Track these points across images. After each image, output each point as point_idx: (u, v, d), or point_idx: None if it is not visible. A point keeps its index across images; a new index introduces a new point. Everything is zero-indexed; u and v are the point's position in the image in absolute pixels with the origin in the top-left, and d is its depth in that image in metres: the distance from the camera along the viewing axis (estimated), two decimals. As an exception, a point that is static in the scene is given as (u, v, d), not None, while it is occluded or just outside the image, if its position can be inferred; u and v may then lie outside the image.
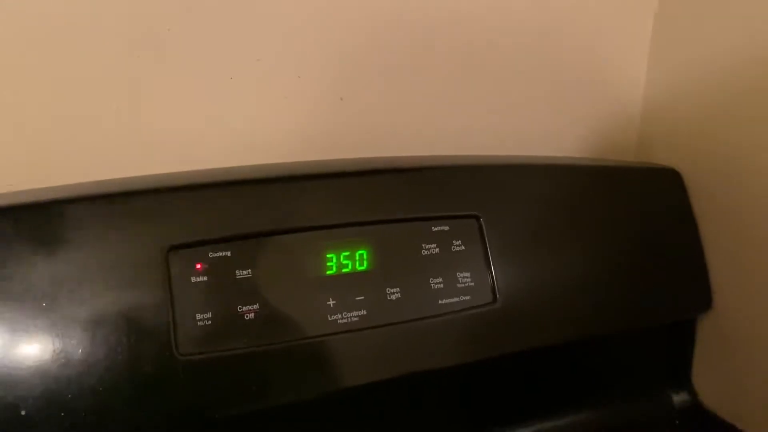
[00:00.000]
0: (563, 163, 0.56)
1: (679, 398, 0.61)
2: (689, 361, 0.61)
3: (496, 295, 0.48)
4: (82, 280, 0.39)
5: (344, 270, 0.45)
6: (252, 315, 0.42)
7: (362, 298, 0.45)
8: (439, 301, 0.46)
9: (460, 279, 0.47)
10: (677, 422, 0.60)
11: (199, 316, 0.41)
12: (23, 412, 0.37)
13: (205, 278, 0.41)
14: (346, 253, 0.45)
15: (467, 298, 0.47)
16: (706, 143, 0.59)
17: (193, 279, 0.41)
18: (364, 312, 0.44)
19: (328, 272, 0.45)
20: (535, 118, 0.66)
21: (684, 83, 0.61)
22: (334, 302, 0.44)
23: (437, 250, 0.47)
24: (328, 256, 0.45)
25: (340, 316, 0.44)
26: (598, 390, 0.59)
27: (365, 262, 0.45)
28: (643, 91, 0.66)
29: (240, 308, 0.42)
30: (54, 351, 0.38)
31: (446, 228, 0.48)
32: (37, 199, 0.40)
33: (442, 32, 0.58)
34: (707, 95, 0.58)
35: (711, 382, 0.60)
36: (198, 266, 0.41)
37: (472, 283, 0.48)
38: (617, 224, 0.56)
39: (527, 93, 0.65)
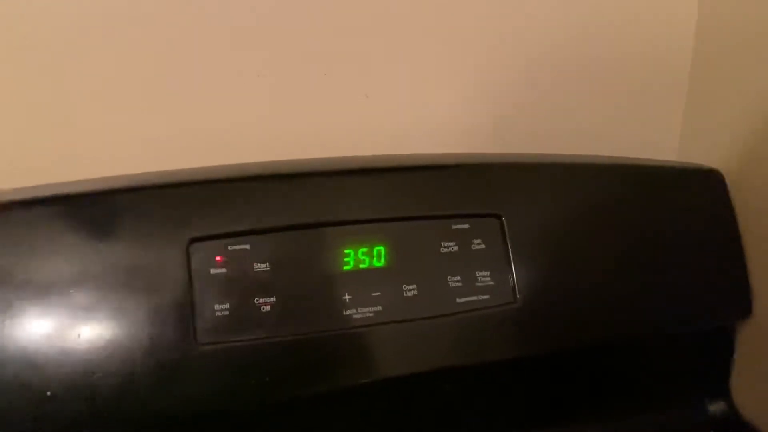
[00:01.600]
0: (593, 163, 0.54)
1: (715, 407, 0.59)
2: (727, 369, 0.58)
3: (516, 296, 0.47)
4: (107, 269, 0.41)
5: (361, 266, 0.45)
6: (268, 307, 0.43)
7: (378, 294, 0.45)
8: (457, 300, 0.46)
9: (479, 278, 0.47)
10: (712, 432, 0.57)
11: (217, 307, 0.42)
12: (49, 393, 0.39)
13: (224, 270, 0.43)
14: (364, 249, 0.45)
15: (486, 297, 0.47)
16: (750, 144, 0.56)
17: (212, 271, 0.42)
18: (379, 308, 0.45)
19: (345, 268, 0.45)
20: (575, 117, 0.65)
21: (729, 81, 0.59)
22: (350, 297, 0.45)
23: (456, 248, 0.47)
24: (345, 251, 0.45)
25: (355, 311, 0.44)
26: (629, 396, 0.58)
27: (383, 259, 0.46)
28: (687, 88, 0.64)
29: (257, 300, 0.43)
30: (79, 335, 0.40)
31: (466, 226, 0.47)
32: (65, 192, 0.42)
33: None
34: (752, 95, 0.56)
35: (750, 391, 0.57)
36: (218, 258, 0.43)
37: (492, 283, 0.47)
38: (652, 225, 0.54)
39: (566, 92, 0.64)
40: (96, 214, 0.41)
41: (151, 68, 0.52)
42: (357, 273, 0.45)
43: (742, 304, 0.56)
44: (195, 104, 0.52)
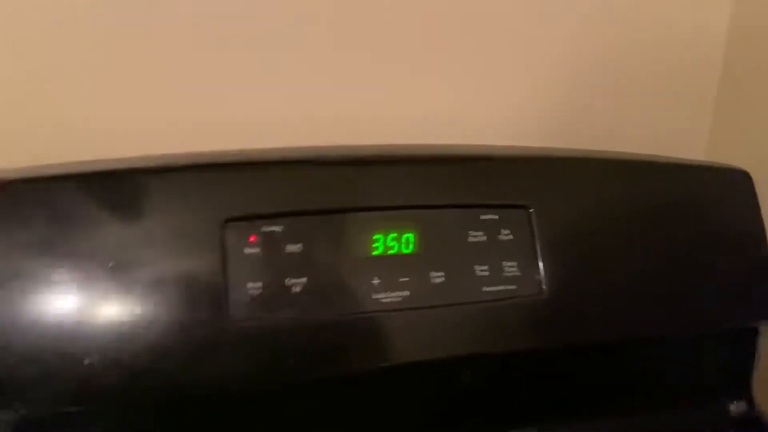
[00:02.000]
0: (622, 159, 0.55)
1: (736, 408, 0.59)
2: (750, 370, 0.58)
3: (542, 287, 0.48)
4: (146, 245, 0.42)
5: (390, 251, 0.46)
6: (299, 288, 0.44)
7: (406, 279, 0.46)
8: (483, 288, 0.47)
9: (506, 268, 0.48)
10: (732, 432, 0.57)
11: (250, 285, 0.43)
12: (86, 362, 0.40)
13: (258, 250, 0.44)
14: (394, 235, 0.46)
15: (513, 287, 0.47)
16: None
17: (246, 250, 0.43)
18: (407, 293, 0.46)
19: (374, 252, 0.46)
20: (604, 115, 0.66)
21: (759, 82, 0.59)
22: (378, 281, 0.45)
23: (484, 237, 0.47)
24: (375, 236, 0.46)
25: (383, 295, 0.45)
26: (649, 394, 0.58)
27: (411, 245, 0.46)
28: (717, 87, 0.64)
29: (288, 281, 0.44)
30: (117, 309, 0.41)
31: (495, 217, 0.48)
32: (109, 168, 0.43)
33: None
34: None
35: (772, 394, 0.57)
36: (251, 238, 0.44)
37: (519, 273, 0.48)
38: (679, 224, 0.54)
39: (595, 90, 0.65)
40: (136, 192, 0.43)
41: (190, 51, 0.53)
42: (386, 258, 0.46)
43: (766, 305, 0.56)
44: (231, 90, 0.53)
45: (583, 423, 0.55)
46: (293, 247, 0.44)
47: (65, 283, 0.40)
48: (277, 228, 0.44)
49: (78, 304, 0.41)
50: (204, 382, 0.43)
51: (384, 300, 0.45)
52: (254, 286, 0.43)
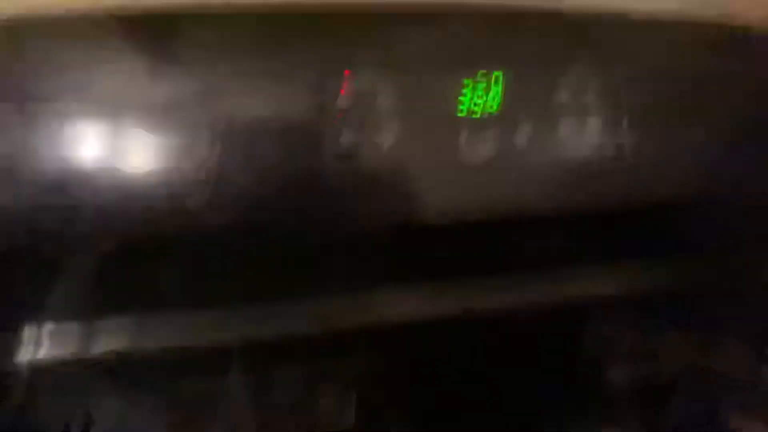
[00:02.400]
0: (710, 22, 0.53)
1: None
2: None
3: (623, 151, 0.49)
4: (242, 95, 0.42)
5: (474, 116, 0.47)
6: (388, 143, 0.45)
7: (491, 140, 0.46)
8: (566, 150, 0.48)
9: (588, 131, 0.48)
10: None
11: (343, 139, 0.44)
12: (187, 203, 0.42)
13: (351, 103, 0.44)
14: (479, 99, 0.46)
15: (595, 148, 0.48)
16: None
17: (339, 103, 0.44)
18: (491, 153, 0.46)
19: (460, 114, 0.46)
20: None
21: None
22: (463, 141, 0.46)
23: (568, 99, 0.48)
24: (460, 99, 0.46)
25: (468, 154, 0.46)
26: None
27: (496, 106, 0.47)
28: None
29: (378, 136, 0.45)
30: (215, 153, 0.42)
31: (579, 77, 0.48)
32: (225, 11, 0.43)
33: None
34: None
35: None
36: (343, 92, 0.44)
37: (599, 136, 0.48)
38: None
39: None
40: (234, 39, 0.42)
41: None
42: (470, 119, 0.46)
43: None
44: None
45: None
46: (383, 104, 0.45)
47: (166, 126, 0.41)
48: (367, 84, 0.44)
49: (178, 148, 0.41)
50: (296, 230, 0.44)
51: (469, 159, 0.46)
52: (347, 140, 0.44)
